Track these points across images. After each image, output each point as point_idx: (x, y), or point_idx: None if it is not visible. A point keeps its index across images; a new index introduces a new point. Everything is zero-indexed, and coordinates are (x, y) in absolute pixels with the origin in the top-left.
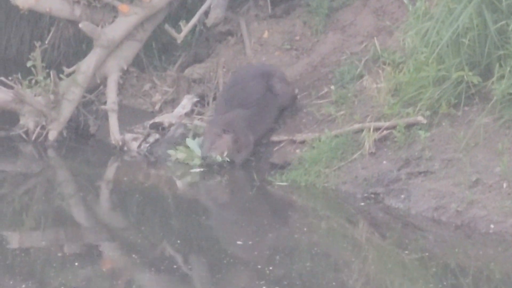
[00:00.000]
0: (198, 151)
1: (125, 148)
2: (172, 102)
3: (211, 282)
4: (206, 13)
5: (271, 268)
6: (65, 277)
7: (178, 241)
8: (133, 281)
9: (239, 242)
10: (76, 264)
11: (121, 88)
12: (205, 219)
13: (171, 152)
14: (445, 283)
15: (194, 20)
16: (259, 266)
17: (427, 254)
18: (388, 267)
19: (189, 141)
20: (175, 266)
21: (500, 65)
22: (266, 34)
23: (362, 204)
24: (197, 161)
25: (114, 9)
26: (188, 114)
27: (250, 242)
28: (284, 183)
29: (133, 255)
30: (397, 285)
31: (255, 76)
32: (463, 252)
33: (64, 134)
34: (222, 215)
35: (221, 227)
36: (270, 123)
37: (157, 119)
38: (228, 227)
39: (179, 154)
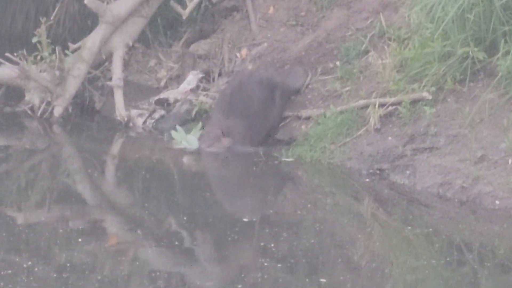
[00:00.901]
0: (190, 142)
1: (131, 124)
2: (178, 78)
3: (216, 259)
4: None
5: (275, 244)
6: (70, 253)
7: (184, 217)
8: (138, 256)
9: (245, 219)
10: (81, 240)
11: (126, 64)
12: (210, 195)
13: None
14: (448, 258)
15: None
16: (262, 243)
17: (431, 229)
18: (393, 243)
19: (176, 133)
20: (179, 242)
21: (506, 41)
22: (271, 10)
23: (367, 180)
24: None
25: None
26: (194, 90)
27: (254, 219)
28: (290, 159)
29: (138, 231)
30: (401, 260)
31: (259, 85)
32: (468, 228)
33: (70, 110)
34: (228, 191)
35: (227, 203)
36: (268, 131)
37: (163, 95)
38: (233, 203)
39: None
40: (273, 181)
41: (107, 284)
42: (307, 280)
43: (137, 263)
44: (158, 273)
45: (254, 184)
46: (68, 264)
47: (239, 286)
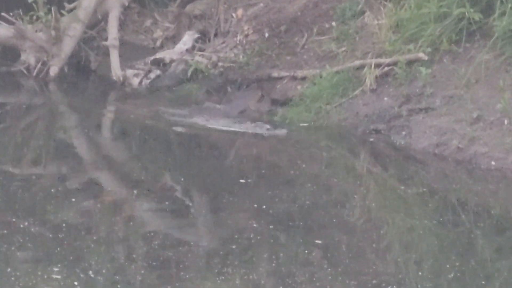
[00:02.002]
0: None
1: (126, 84)
2: (173, 38)
3: (211, 220)
4: None
5: (271, 204)
6: (66, 210)
7: (181, 178)
8: (133, 215)
9: (241, 180)
10: (77, 197)
11: (122, 24)
12: (207, 155)
13: None
14: (444, 218)
15: None
16: (256, 205)
17: (426, 190)
18: (388, 203)
19: None
20: (174, 202)
21: (502, 2)
22: None
23: (363, 140)
24: None
25: None
26: (189, 50)
27: (250, 180)
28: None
29: (134, 190)
30: (397, 221)
31: None
32: (463, 188)
33: (65, 70)
34: (224, 151)
35: (223, 164)
36: None
37: (158, 55)
38: (230, 164)
39: None
40: (268, 141)
41: (103, 243)
42: (301, 241)
43: (133, 222)
44: (153, 233)
45: (251, 144)
46: (63, 223)
47: (233, 246)
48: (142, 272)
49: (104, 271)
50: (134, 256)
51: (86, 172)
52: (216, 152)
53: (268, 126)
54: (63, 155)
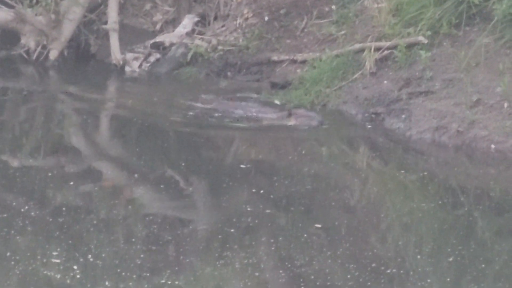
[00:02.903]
0: None
1: (126, 67)
2: (173, 22)
3: (210, 204)
4: None
5: (269, 189)
6: (66, 195)
7: (182, 163)
8: (133, 199)
9: (242, 165)
10: (77, 182)
11: (122, 8)
12: (205, 141)
13: None
14: (444, 200)
15: None
16: (258, 192)
17: (426, 173)
18: (388, 187)
19: None
20: (175, 187)
21: None
22: None
23: (363, 123)
24: None
25: None
26: (189, 34)
27: (249, 165)
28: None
29: (135, 175)
30: (397, 204)
31: None
32: (463, 172)
33: (65, 53)
34: (223, 138)
35: (223, 149)
36: None
37: (158, 39)
38: (229, 149)
39: None
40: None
41: (102, 227)
42: (301, 225)
43: (132, 206)
44: (152, 216)
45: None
46: (63, 207)
47: (232, 230)
48: (142, 256)
49: (103, 255)
50: (133, 240)
51: (86, 157)
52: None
53: (319, 118)
54: (63, 141)
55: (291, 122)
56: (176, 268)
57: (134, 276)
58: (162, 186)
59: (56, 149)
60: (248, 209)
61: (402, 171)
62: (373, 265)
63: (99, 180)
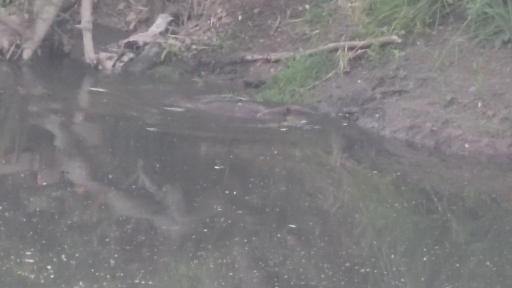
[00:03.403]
0: None
1: (100, 67)
2: (147, 21)
3: (184, 207)
4: None
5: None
6: (39, 196)
7: (156, 164)
8: (106, 202)
9: (217, 167)
10: (50, 185)
11: (95, 7)
12: (179, 142)
13: None
14: (417, 201)
15: None
16: (233, 193)
17: (400, 173)
18: (361, 187)
19: None
20: (149, 189)
21: None
22: None
23: (337, 122)
24: None
25: None
26: (163, 33)
27: (222, 167)
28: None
29: (109, 171)
30: (371, 205)
31: None
32: (437, 172)
33: (39, 53)
34: (198, 137)
35: (197, 150)
36: None
37: (132, 38)
38: (203, 151)
39: None
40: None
41: (76, 227)
42: (274, 225)
43: (106, 208)
44: (125, 218)
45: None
46: (36, 207)
47: (205, 230)
48: (116, 256)
49: (77, 255)
50: (107, 240)
51: (59, 158)
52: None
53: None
54: (36, 141)
55: (290, 119)
56: (150, 268)
57: (108, 276)
58: (134, 187)
59: (26, 150)
60: (222, 209)
61: (375, 171)
62: (347, 264)
63: (70, 182)
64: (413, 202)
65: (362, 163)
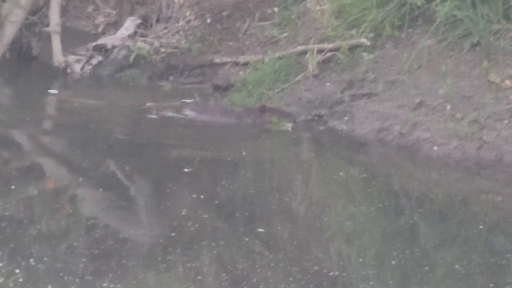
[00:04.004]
0: None
1: (68, 70)
2: (115, 24)
3: (153, 205)
4: None
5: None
6: (7, 199)
7: (126, 166)
8: (75, 201)
9: (186, 169)
10: (19, 184)
11: (64, 10)
12: (149, 141)
13: None
14: (386, 203)
15: None
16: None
17: (367, 175)
18: (330, 190)
19: None
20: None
21: None
22: None
23: (306, 125)
24: None
25: None
26: (131, 36)
27: (191, 169)
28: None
29: (77, 175)
30: (340, 207)
31: None
32: (406, 174)
33: (7, 55)
34: (168, 136)
35: (167, 150)
36: None
37: (100, 41)
38: (174, 150)
39: None
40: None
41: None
42: (242, 229)
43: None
44: (94, 220)
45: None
46: (4, 211)
47: (173, 234)
48: (84, 260)
49: (45, 259)
50: (75, 244)
51: (27, 158)
52: None
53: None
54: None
55: (265, 118)
56: (119, 272)
57: (77, 280)
58: (101, 189)
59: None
60: (191, 213)
61: (344, 173)
62: (315, 268)
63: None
64: (380, 205)
65: (330, 166)
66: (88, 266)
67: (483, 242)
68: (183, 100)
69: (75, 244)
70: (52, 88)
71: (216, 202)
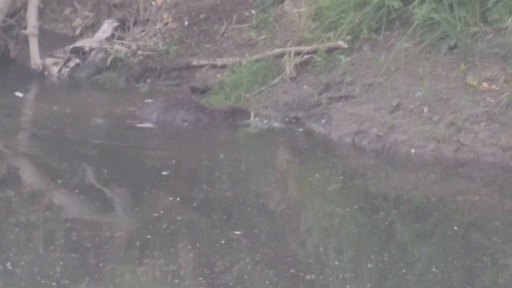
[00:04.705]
0: None
1: (46, 73)
2: (93, 27)
3: (129, 205)
4: None
5: (189, 194)
6: None
7: (104, 170)
8: (52, 204)
9: (164, 172)
10: None
11: (41, 13)
12: (126, 142)
13: None
14: (362, 205)
15: None
16: (179, 199)
17: (343, 178)
18: (307, 192)
19: None
20: (95, 191)
21: None
22: None
23: (283, 128)
24: None
25: None
26: (109, 39)
27: (167, 173)
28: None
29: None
30: (316, 210)
31: None
32: (383, 177)
33: None
34: (145, 140)
35: (142, 152)
36: None
37: (78, 44)
38: (150, 152)
39: None
40: (188, 131)
41: (21, 233)
42: (219, 232)
43: (50, 212)
44: (70, 223)
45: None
46: None
47: (147, 236)
48: (61, 264)
49: (22, 262)
50: (51, 248)
51: (3, 161)
52: None
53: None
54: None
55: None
56: (96, 275)
57: (54, 284)
58: (77, 191)
59: None
60: (168, 215)
61: (321, 175)
62: (292, 271)
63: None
64: (356, 207)
65: (307, 169)
66: (64, 270)
67: (459, 243)
68: (145, 101)
69: (51, 247)
70: (19, 91)
71: (193, 204)
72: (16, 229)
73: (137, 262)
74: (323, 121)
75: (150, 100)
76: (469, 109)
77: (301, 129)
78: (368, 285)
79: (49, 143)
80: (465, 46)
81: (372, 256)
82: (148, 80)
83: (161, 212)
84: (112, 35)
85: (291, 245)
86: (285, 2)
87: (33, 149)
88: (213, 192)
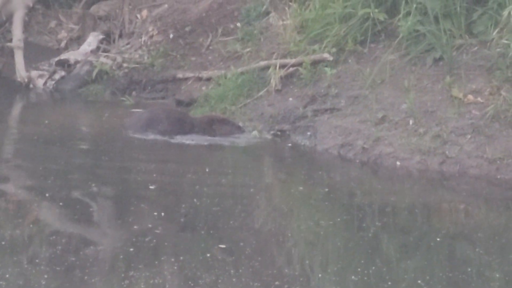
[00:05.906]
0: None
1: (31, 85)
2: (78, 39)
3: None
4: None
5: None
6: None
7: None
8: (37, 216)
9: (151, 186)
10: None
11: (26, 25)
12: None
13: None
14: (348, 218)
15: None
16: (164, 214)
17: (330, 190)
18: (292, 205)
19: None
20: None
21: (406, 2)
22: None
23: (269, 140)
24: None
25: None
26: (94, 51)
27: (153, 187)
28: None
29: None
30: (302, 222)
31: None
32: (368, 189)
33: None
34: (129, 153)
35: (126, 164)
36: None
37: (63, 56)
38: (133, 164)
39: None
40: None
41: (6, 246)
42: (203, 245)
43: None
44: (55, 237)
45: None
46: None
47: (131, 249)
48: (45, 277)
49: (7, 275)
50: (36, 261)
51: None
52: None
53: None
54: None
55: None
56: None
57: None
58: (62, 203)
59: None
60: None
61: (307, 188)
62: (277, 283)
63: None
64: (340, 219)
65: (292, 181)
66: (49, 283)
67: (444, 255)
68: (132, 110)
69: (36, 260)
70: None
71: (179, 218)
72: (2, 243)
73: (122, 275)
74: (309, 133)
75: (138, 110)
76: (454, 122)
77: (286, 142)
78: None
79: (34, 156)
80: (451, 58)
81: (358, 269)
82: (134, 93)
83: (148, 225)
84: (98, 48)
85: (276, 258)
86: (270, 15)
87: (18, 161)
88: (197, 205)
